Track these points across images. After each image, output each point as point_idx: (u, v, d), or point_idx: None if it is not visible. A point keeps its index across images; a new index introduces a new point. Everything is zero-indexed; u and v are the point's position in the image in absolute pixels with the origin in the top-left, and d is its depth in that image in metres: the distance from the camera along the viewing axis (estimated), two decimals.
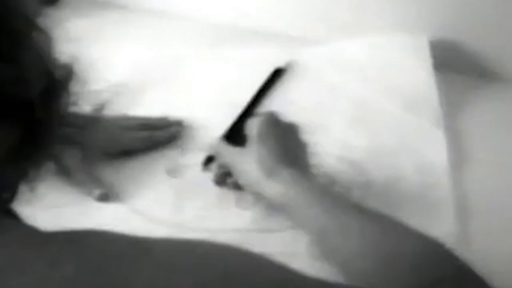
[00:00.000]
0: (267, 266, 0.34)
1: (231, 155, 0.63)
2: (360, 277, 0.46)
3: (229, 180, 0.64)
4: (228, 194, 0.65)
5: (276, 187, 0.57)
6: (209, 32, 0.96)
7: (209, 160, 0.68)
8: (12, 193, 0.33)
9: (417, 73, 0.82)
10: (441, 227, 0.60)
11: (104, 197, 0.64)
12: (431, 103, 0.78)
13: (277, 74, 0.84)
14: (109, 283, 0.28)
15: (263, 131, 0.61)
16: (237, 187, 0.64)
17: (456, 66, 0.86)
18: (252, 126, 0.62)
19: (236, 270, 0.32)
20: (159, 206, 0.64)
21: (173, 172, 0.68)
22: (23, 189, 0.33)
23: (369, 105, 0.79)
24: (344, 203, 0.55)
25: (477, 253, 0.56)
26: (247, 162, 0.60)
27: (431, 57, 0.83)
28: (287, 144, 0.61)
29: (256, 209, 0.63)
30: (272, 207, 0.60)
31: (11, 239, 0.30)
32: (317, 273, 0.55)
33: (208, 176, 0.67)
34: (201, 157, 0.70)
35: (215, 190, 0.66)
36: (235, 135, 0.68)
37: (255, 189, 0.60)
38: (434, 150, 0.71)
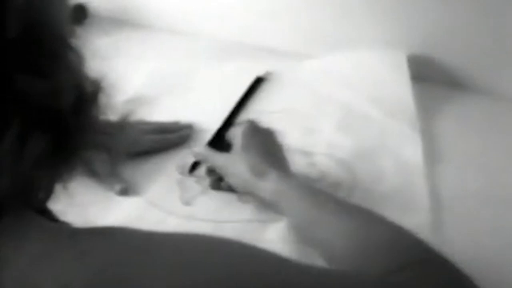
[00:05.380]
0: (270, 260, 0.33)
1: (222, 160, 0.62)
2: (339, 262, 0.46)
3: (222, 184, 0.64)
4: None
5: (266, 186, 0.57)
6: (215, 48, 0.96)
7: (194, 166, 0.67)
8: (48, 193, 0.33)
9: (396, 84, 0.82)
10: (417, 218, 0.60)
11: (124, 192, 0.64)
12: (408, 110, 0.78)
13: (257, 83, 0.84)
14: (132, 274, 0.28)
15: (247, 138, 0.61)
16: (231, 189, 0.63)
17: (430, 78, 0.86)
18: (236, 134, 0.62)
19: (245, 265, 0.31)
20: (171, 199, 0.64)
21: (183, 170, 0.68)
22: (57, 188, 0.33)
23: (354, 111, 0.79)
24: (325, 197, 0.55)
25: (449, 241, 0.56)
26: (237, 165, 0.59)
27: (408, 69, 0.83)
28: (269, 147, 0.61)
29: (255, 203, 0.63)
30: (263, 203, 0.60)
31: (44, 234, 0.30)
32: (307, 257, 0.56)
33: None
34: None
35: None
36: (218, 142, 0.68)
37: (247, 189, 0.60)
38: (411, 151, 0.71)
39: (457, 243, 0.56)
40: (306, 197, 0.54)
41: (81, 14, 0.99)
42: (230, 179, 0.61)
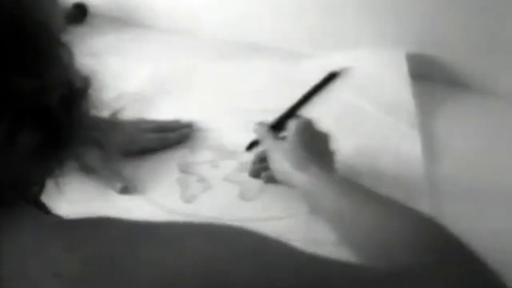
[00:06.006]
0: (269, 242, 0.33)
1: (271, 145, 0.63)
2: (372, 258, 0.45)
3: (263, 174, 0.65)
4: (233, 188, 0.65)
5: (304, 178, 0.57)
6: (215, 47, 0.96)
7: (253, 144, 0.68)
8: (41, 187, 0.33)
9: (395, 82, 0.82)
10: None
11: (125, 190, 0.64)
12: (407, 108, 0.77)
13: (330, 77, 0.84)
14: (119, 264, 0.28)
15: (300, 132, 0.61)
16: (270, 180, 0.64)
17: (429, 76, 0.86)
18: (291, 126, 0.62)
19: (240, 249, 0.31)
20: (172, 197, 0.64)
21: (184, 168, 0.68)
22: (50, 184, 0.33)
23: (355, 110, 0.79)
24: (363, 192, 0.53)
25: None
26: (281, 153, 0.60)
27: (407, 68, 0.83)
28: (318, 147, 0.61)
29: (256, 200, 0.63)
30: (301, 195, 0.59)
31: (37, 227, 0.30)
32: None
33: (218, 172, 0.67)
34: (208, 155, 0.70)
35: (220, 184, 0.66)
36: (278, 127, 0.68)
37: (285, 178, 0.60)
38: (411, 147, 0.71)
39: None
40: (340, 192, 0.53)
41: (81, 13, 0.99)
42: (272, 166, 0.62)
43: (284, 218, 0.61)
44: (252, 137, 0.70)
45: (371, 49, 0.86)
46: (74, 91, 0.31)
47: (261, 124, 0.67)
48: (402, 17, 0.84)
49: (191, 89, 0.84)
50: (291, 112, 0.75)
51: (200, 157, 0.70)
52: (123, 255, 0.29)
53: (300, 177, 0.57)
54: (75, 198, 0.61)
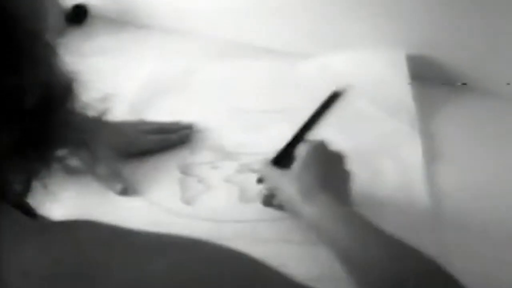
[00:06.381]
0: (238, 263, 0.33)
1: (275, 176, 0.58)
2: None
3: (274, 202, 0.60)
4: (233, 189, 0.65)
5: (310, 209, 0.53)
6: (215, 47, 0.96)
7: (261, 180, 0.62)
8: (25, 188, 0.32)
9: (395, 83, 0.81)
10: (416, 218, 0.60)
11: (125, 191, 0.64)
12: (408, 110, 0.77)
13: (333, 98, 0.76)
14: (88, 269, 0.28)
15: (309, 156, 0.56)
16: (282, 207, 0.59)
17: (429, 78, 0.86)
18: (301, 151, 0.58)
19: (219, 272, 0.31)
20: (172, 199, 0.64)
21: (184, 169, 0.68)
22: (37, 186, 0.32)
23: (353, 111, 0.79)
24: (370, 230, 0.50)
25: (448, 241, 0.56)
26: (287, 182, 0.55)
27: (407, 69, 0.83)
28: (330, 171, 0.56)
29: (256, 202, 0.63)
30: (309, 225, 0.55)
31: (15, 227, 0.30)
32: (308, 258, 0.56)
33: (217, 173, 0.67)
34: (208, 156, 0.70)
35: (220, 184, 0.66)
36: (285, 157, 0.61)
37: (292, 208, 0.56)
38: (411, 150, 0.71)
39: (456, 243, 0.56)
40: (346, 227, 0.50)
41: (81, 14, 0.99)
42: (278, 195, 0.58)
43: (284, 219, 0.60)
44: (251, 138, 0.69)
45: (371, 50, 0.86)
46: (57, 91, 0.30)
47: (262, 161, 0.61)
48: (403, 18, 0.84)
49: (191, 89, 0.84)
50: (293, 143, 0.65)
51: (200, 158, 0.70)
52: (94, 260, 0.29)
53: (305, 207, 0.53)
54: (74, 200, 0.61)
